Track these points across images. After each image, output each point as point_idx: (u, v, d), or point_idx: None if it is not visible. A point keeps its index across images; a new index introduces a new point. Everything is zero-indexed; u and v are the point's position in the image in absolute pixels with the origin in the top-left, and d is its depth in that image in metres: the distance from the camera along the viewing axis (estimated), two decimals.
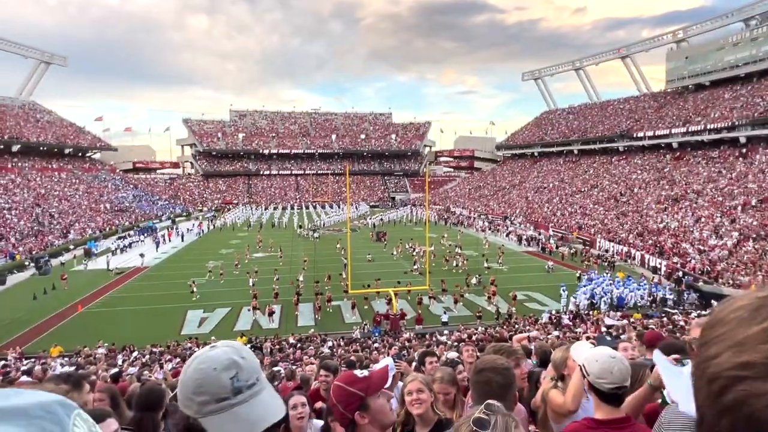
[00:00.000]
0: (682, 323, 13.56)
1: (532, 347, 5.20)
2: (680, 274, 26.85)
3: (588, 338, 3.77)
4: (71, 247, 37.40)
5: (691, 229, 32.18)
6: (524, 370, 2.63)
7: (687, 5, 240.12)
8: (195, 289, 25.41)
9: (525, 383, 2.65)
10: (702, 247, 29.21)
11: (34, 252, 34.58)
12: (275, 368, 5.68)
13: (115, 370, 6.41)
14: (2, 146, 53.92)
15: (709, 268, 26.34)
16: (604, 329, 13.82)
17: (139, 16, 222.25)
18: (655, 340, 3.77)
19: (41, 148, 59.35)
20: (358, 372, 2.37)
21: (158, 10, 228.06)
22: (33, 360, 15.35)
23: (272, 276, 27.75)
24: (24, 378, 8.70)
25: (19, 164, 54.58)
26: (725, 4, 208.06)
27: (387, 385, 1.98)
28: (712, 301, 21.48)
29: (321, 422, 2.90)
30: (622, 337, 9.50)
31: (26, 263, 32.19)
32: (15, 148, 55.19)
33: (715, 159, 43.17)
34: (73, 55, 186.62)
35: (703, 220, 32.99)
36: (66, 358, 15.38)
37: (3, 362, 14.50)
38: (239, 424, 1.00)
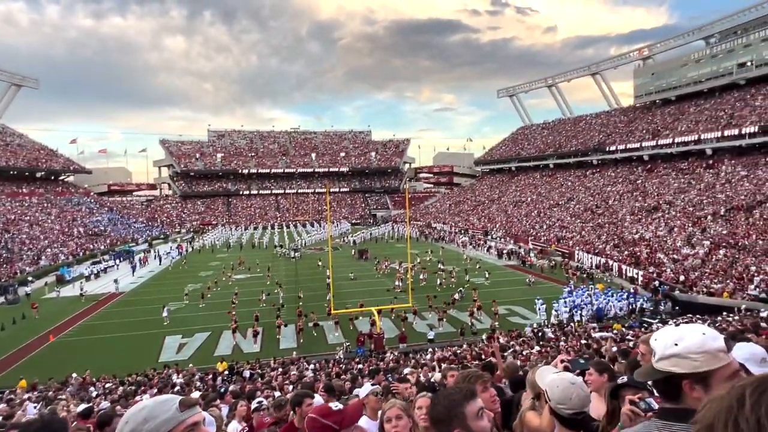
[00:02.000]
0: None
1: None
2: (656, 283, 27.44)
3: (562, 361, 3.82)
4: (30, 279, 34.88)
5: (665, 239, 33.04)
6: (492, 392, 2.67)
7: (652, 24, 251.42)
8: (165, 314, 24.80)
9: (496, 407, 2.67)
10: (676, 257, 29.98)
11: (2, 280, 33.28)
12: (256, 400, 5.51)
13: (85, 405, 6.15)
14: None
15: (683, 277, 27.01)
16: (583, 341, 13.97)
17: (115, 38, 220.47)
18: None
19: (11, 172, 57.75)
20: (333, 405, 2.38)
21: (134, 32, 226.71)
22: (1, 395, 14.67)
23: (256, 297, 27.38)
24: None
25: None
26: (687, 23, 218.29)
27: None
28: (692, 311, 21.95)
29: None
30: (602, 350, 9.62)
31: None
32: None
33: (684, 170, 44.64)
34: (47, 77, 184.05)
35: (675, 230, 33.90)
36: (36, 392, 14.72)
37: None
38: None
